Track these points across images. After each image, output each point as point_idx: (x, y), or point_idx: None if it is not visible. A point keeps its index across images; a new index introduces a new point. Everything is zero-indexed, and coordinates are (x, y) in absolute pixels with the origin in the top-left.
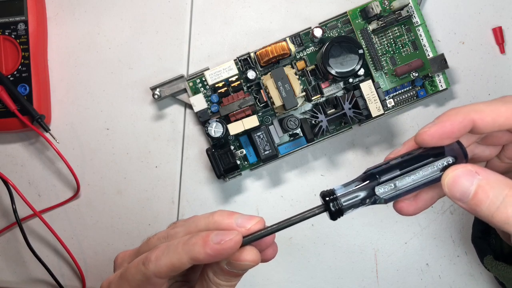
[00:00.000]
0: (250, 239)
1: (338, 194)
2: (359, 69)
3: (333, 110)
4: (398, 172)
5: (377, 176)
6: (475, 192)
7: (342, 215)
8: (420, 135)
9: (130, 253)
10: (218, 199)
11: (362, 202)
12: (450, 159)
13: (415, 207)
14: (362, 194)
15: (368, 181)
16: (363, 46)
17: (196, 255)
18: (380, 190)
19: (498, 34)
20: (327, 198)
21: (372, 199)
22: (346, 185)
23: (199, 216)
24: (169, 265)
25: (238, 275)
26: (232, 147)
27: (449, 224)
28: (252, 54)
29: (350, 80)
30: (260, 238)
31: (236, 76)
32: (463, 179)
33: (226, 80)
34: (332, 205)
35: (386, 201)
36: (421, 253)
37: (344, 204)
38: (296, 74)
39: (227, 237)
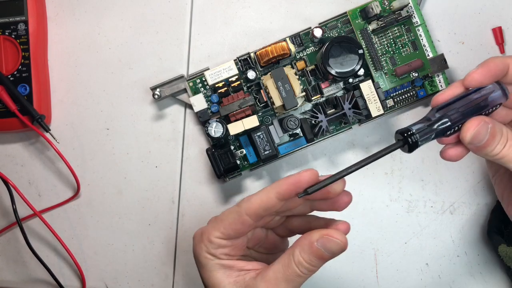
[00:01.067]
0: (331, 180)
1: (414, 130)
2: (359, 69)
3: (333, 110)
4: (460, 110)
5: (443, 114)
6: (487, 139)
7: (418, 147)
8: (469, 75)
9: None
10: (218, 199)
11: (432, 136)
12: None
13: (460, 151)
14: (433, 130)
15: (436, 119)
16: (363, 46)
17: (280, 186)
18: (446, 124)
19: (498, 34)
20: (406, 134)
21: (441, 132)
22: (418, 123)
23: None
24: (259, 201)
25: (322, 258)
26: (232, 147)
27: (449, 224)
28: (252, 54)
29: (350, 80)
30: (338, 179)
31: (236, 76)
32: (482, 130)
33: (226, 80)
34: (410, 140)
35: (452, 127)
36: (421, 253)
37: (419, 138)
38: (296, 74)
39: (304, 172)
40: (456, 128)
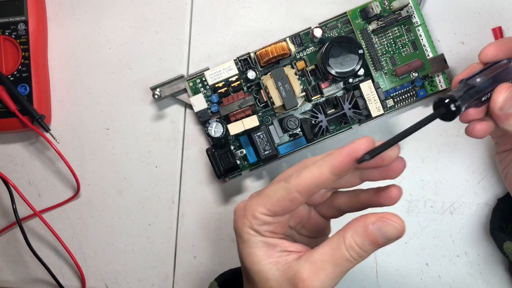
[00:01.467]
0: (389, 144)
1: (456, 96)
2: (359, 69)
3: (333, 110)
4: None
5: (473, 83)
6: None
7: (460, 113)
8: (485, 49)
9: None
10: (218, 199)
11: (472, 101)
12: None
13: (486, 126)
14: (471, 96)
15: (470, 86)
16: (363, 46)
17: (335, 159)
18: (481, 90)
19: (498, 34)
20: (447, 100)
21: (477, 99)
22: (452, 94)
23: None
24: (310, 177)
25: (375, 243)
26: (232, 147)
27: (449, 224)
28: (252, 54)
29: (350, 80)
30: (395, 143)
31: (236, 76)
32: None
33: (226, 80)
34: (453, 105)
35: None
36: (421, 253)
37: (460, 102)
38: (296, 74)
39: (360, 140)
40: (488, 96)
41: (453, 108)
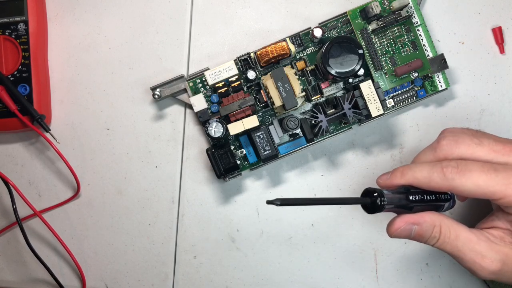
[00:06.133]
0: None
1: (385, 193)
2: (359, 69)
3: (333, 110)
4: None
5: (408, 189)
6: (415, 237)
7: (381, 211)
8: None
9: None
10: (218, 199)
11: (396, 204)
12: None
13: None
14: (398, 198)
15: (402, 190)
16: (363, 46)
17: None
18: (410, 197)
19: (498, 34)
20: (375, 194)
21: (403, 203)
22: (389, 192)
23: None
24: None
25: None
26: (232, 147)
27: None
28: (252, 54)
29: (350, 80)
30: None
31: (236, 76)
32: (404, 232)
33: (226, 80)
34: (379, 200)
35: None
36: (421, 253)
37: (386, 202)
38: (296, 74)
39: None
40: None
41: (378, 203)
